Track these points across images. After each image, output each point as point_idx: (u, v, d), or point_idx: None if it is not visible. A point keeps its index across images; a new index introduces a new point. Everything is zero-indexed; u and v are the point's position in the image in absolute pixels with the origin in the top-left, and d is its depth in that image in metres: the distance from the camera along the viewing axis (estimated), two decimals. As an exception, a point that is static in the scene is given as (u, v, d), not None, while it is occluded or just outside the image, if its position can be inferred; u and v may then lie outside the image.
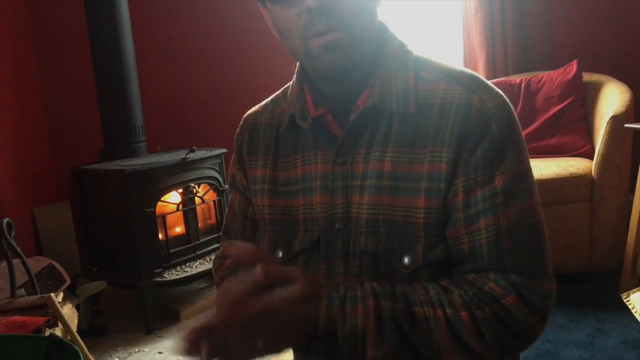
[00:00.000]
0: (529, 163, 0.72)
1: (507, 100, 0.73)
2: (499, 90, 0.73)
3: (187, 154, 2.61)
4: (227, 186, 0.95)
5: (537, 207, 0.71)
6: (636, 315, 1.96)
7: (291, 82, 0.83)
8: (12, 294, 1.90)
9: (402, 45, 0.76)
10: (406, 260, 0.71)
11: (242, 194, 0.89)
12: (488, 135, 0.69)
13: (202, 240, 2.68)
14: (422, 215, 0.70)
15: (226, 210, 0.94)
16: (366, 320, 0.63)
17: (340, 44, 0.67)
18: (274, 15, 0.71)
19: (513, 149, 0.70)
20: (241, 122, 0.90)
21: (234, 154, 0.91)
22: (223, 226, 0.95)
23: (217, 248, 2.65)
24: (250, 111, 0.90)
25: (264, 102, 0.90)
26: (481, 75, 0.76)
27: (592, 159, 2.31)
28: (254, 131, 0.87)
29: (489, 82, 0.74)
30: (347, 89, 0.74)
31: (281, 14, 0.69)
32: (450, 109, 0.70)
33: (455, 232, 0.70)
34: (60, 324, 1.70)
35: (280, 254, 0.80)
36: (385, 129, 0.73)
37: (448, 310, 0.65)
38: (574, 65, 2.57)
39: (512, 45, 2.85)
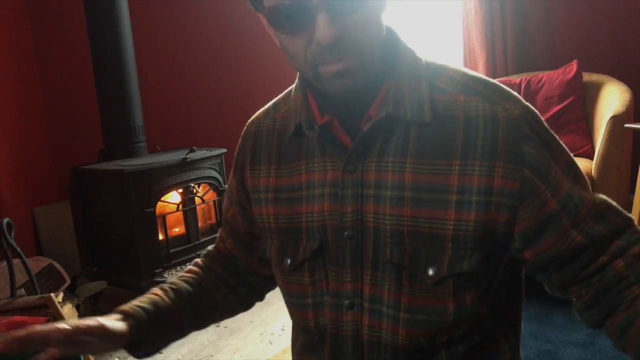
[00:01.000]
0: None
1: (526, 101, 0.73)
2: (515, 94, 0.73)
3: (187, 154, 2.61)
4: (227, 186, 0.95)
5: None
6: (636, 315, 1.95)
7: (293, 87, 0.82)
8: (12, 294, 1.90)
9: (412, 52, 0.75)
10: (431, 271, 0.70)
11: (238, 206, 0.90)
12: (526, 138, 0.69)
13: (202, 240, 2.68)
14: (450, 227, 0.69)
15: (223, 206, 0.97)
16: None
17: (352, 70, 0.66)
18: (278, 37, 0.70)
19: (554, 141, 0.73)
20: (244, 130, 0.89)
21: (234, 162, 0.90)
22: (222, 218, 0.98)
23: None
24: (252, 118, 0.89)
25: (265, 108, 0.88)
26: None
27: (592, 159, 2.31)
28: (257, 139, 0.85)
29: (504, 87, 0.74)
30: (354, 100, 0.72)
31: (287, 40, 0.68)
32: (477, 122, 0.69)
33: (562, 234, 0.70)
34: (60, 324, 1.70)
35: (289, 261, 0.80)
36: (402, 139, 0.72)
37: None
38: (574, 65, 2.57)
39: (512, 45, 2.85)
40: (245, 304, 0.97)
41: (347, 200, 0.74)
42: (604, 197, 0.73)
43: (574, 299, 0.74)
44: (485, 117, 0.69)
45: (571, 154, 0.75)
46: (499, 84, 0.74)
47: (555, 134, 0.74)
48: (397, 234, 0.71)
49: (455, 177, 0.69)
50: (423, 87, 0.72)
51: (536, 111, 0.73)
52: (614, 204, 0.73)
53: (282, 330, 2.30)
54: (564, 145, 0.74)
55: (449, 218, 0.69)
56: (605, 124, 2.20)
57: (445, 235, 0.70)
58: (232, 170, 0.90)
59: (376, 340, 0.74)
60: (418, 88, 0.72)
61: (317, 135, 0.75)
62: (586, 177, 0.75)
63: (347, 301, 0.75)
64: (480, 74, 0.75)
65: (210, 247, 1.00)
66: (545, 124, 0.73)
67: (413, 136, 0.71)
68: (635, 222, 0.74)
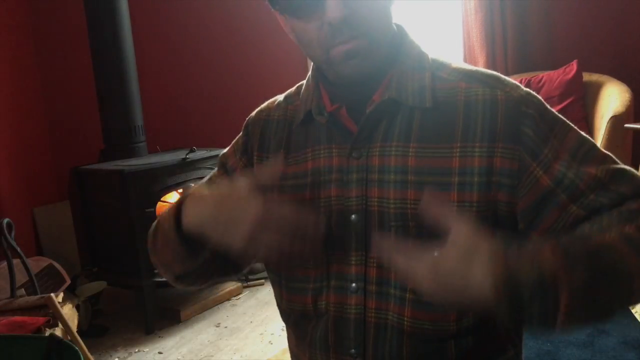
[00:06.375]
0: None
1: (526, 88, 0.74)
2: (516, 82, 0.75)
3: (187, 154, 2.61)
4: (215, 172, 0.97)
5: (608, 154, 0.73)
6: (636, 315, 1.96)
7: (305, 80, 0.85)
8: (12, 294, 1.90)
9: (418, 48, 0.78)
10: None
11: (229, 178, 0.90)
12: (525, 118, 0.70)
13: (202, 240, 2.68)
14: (454, 208, 0.71)
15: (205, 179, 0.94)
16: (555, 263, 0.58)
17: (362, 51, 0.69)
18: (293, 26, 0.73)
19: (558, 121, 0.73)
20: (254, 115, 0.91)
21: (238, 139, 0.91)
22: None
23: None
24: (262, 107, 0.91)
25: (275, 100, 0.90)
26: None
27: (592, 159, 2.31)
28: (266, 127, 0.87)
29: (505, 77, 0.76)
30: (363, 86, 0.76)
31: (301, 26, 0.71)
32: (477, 105, 0.72)
33: (561, 210, 0.69)
34: (60, 324, 1.70)
35: None
36: (406, 124, 0.74)
37: (615, 230, 0.63)
38: (574, 65, 2.57)
39: (512, 45, 2.85)
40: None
41: (352, 185, 0.76)
42: (620, 167, 0.71)
43: None
44: (485, 100, 0.72)
45: (582, 132, 0.73)
46: (500, 74, 0.76)
47: (560, 115, 0.74)
48: (401, 218, 0.73)
49: (457, 159, 0.71)
50: (426, 76, 0.75)
51: (537, 95, 0.74)
52: (631, 173, 0.70)
53: (282, 330, 2.30)
54: (571, 124, 0.74)
55: (452, 200, 0.71)
56: (605, 124, 2.21)
57: None
58: (231, 153, 0.91)
59: (383, 323, 0.75)
60: (421, 77, 0.75)
61: (326, 121, 0.78)
62: (606, 152, 0.72)
63: (353, 284, 0.76)
64: (486, 69, 0.78)
65: None
66: (548, 106, 0.74)
67: (416, 121, 0.74)
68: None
